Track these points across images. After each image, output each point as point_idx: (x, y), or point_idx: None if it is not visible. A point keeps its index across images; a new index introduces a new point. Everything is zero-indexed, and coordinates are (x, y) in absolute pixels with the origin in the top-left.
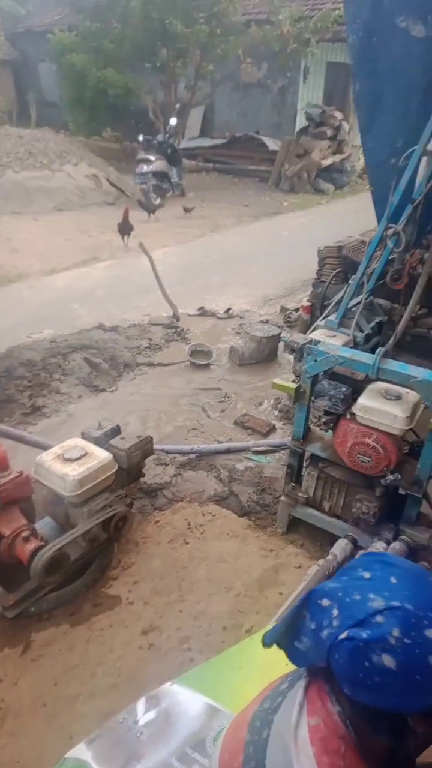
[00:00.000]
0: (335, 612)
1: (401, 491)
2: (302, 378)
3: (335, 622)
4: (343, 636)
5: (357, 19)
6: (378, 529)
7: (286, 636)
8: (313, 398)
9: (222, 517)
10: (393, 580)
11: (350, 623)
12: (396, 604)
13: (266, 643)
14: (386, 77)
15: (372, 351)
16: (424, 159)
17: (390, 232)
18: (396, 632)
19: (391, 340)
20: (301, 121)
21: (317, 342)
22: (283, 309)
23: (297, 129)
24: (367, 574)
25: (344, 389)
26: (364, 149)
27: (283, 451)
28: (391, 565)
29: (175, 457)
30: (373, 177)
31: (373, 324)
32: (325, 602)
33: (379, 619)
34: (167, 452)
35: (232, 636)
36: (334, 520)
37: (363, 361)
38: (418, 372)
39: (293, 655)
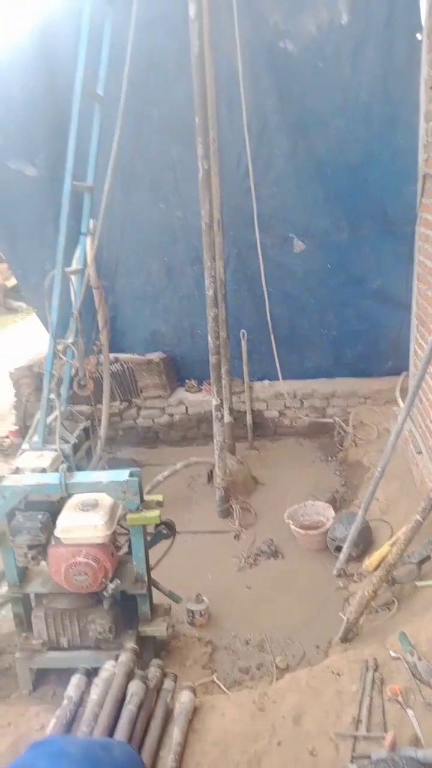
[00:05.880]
0: None
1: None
2: None
3: None
4: None
5: None
6: (120, 641)
7: None
8: (12, 538)
9: None
10: None
11: None
12: None
13: None
14: (14, 212)
15: (87, 457)
16: (73, 277)
17: (61, 347)
18: None
19: (99, 445)
20: None
21: (0, 478)
22: None
23: None
24: None
25: (40, 516)
26: (15, 277)
27: None
28: (59, 756)
29: None
30: (31, 300)
31: (78, 432)
32: None
33: None
34: None
35: None
36: (77, 652)
37: (50, 482)
38: (101, 476)
39: None
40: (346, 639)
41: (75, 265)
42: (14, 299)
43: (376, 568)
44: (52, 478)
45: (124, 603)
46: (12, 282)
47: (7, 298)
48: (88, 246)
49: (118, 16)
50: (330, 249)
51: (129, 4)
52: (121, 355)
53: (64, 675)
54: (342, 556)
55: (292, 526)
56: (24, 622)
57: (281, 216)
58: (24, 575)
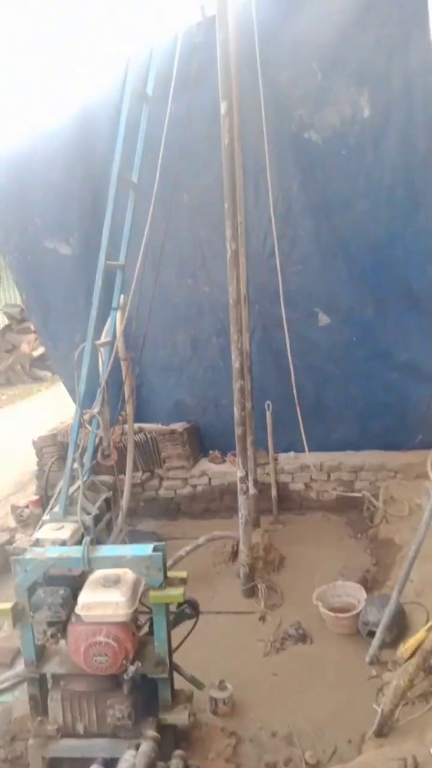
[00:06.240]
0: None
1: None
2: (16, 593)
3: None
4: None
5: (9, 241)
6: (138, 728)
7: None
8: (32, 614)
9: None
10: None
11: None
12: None
13: None
14: (47, 287)
15: (107, 528)
16: (102, 349)
17: (87, 417)
18: None
19: (120, 517)
20: (2, 320)
21: (23, 550)
22: (14, 508)
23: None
24: None
25: (61, 592)
26: (45, 348)
27: None
28: None
29: None
30: (59, 370)
31: (99, 503)
32: None
33: None
34: None
35: None
36: (93, 740)
37: (72, 556)
38: (125, 551)
39: None
40: (381, 733)
41: (104, 337)
42: (40, 369)
43: (412, 655)
44: (76, 551)
45: (143, 687)
46: (38, 352)
47: (32, 367)
48: (117, 320)
49: (153, 111)
50: (355, 323)
51: (164, 101)
52: (145, 425)
53: (77, 766)
54: (375, 642)
55: (322, 609)
56: (39, 705)
57: (306, 292)
58: (42, 654)
